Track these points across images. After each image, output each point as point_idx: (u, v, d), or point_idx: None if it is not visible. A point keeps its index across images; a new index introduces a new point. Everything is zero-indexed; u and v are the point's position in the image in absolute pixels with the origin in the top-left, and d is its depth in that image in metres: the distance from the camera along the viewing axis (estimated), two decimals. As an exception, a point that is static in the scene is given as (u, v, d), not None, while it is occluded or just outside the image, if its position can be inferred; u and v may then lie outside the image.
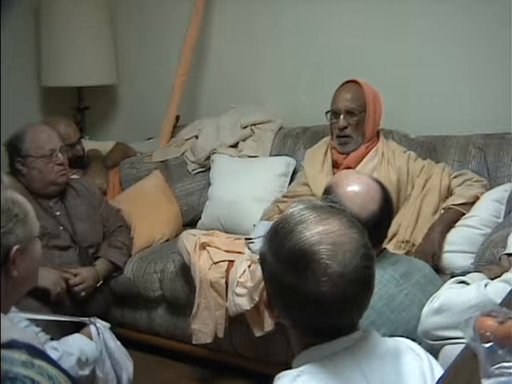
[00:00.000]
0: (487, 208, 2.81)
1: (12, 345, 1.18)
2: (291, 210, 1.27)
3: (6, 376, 1.09)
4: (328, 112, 3.01)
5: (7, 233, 1.48)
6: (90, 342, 2.13)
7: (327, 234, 1.20)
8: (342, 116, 2.94)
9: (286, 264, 1.22)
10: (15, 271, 1.50)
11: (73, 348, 2.03)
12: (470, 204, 2.84)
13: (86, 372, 2.06)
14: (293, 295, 1.22)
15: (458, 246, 2.76)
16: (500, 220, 2.81)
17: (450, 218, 2.82)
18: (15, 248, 1.48)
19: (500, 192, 2.87)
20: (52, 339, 2.11)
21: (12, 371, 1.11)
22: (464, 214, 2.82)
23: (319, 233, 1.20)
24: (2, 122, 3.63)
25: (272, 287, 1.27)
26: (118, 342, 2.25)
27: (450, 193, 2.92)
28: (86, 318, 2.23)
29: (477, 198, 2.84)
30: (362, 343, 1.25)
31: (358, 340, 1.25)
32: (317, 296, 1.19)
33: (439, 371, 1.30)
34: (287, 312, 1.26)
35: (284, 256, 1.22)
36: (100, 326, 2.20)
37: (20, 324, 1.98)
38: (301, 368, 1.22)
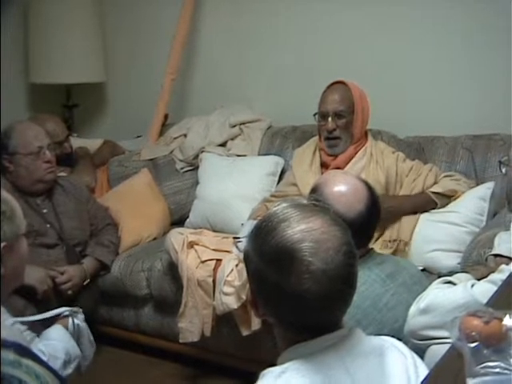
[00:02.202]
0: (470, 205, 2.83)
1: (1, 344, 1.18)
2: (274, 209, 1.28)
3: None
4: (316, 114, 3.01)
5: None
6: (72, 342, 2.12)
7: (310, 231, 1.22)
8: (330, 118, 2.94)
9: (268, 262, 1.23)
10: (2, 269, 1.49)
11: (58, 351, 2.02)
12: (447, 197, 2.86)
13: (70, 371, 2.06)
14: (276, 292, 1.23)
15: (444, 244, 2.78)
16: (483, 218, 2.83)
17: (421, 200, 2.85)
18: (2, 245, 1.48)
19: (483, 190, 2.89)
20: (38, 335, 2.10)
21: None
22: (436, 204, 2.83)
23: (302, 231, 1.22)
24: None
25: (256, 285, 1.29)
26: (91, 337, 2.24)
27: None
28: (69, 309, 2.22)
29: (455, 193, 2.86)
30: (346, 341, 1.26)
31: (342, 337, 1.26)
32: (299, 293, 1.20)
33: (423, 369, 1.31)
34: (271, 309, 1.27)
35: (267, 254, 1.24)
36: (76, 320, 2.19)
37: (6, 322, 1.97)
38: (285, 365, 1.23)
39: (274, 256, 1.23)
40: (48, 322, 2.18)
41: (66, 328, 2.15)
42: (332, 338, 1.25)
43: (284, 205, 1.28)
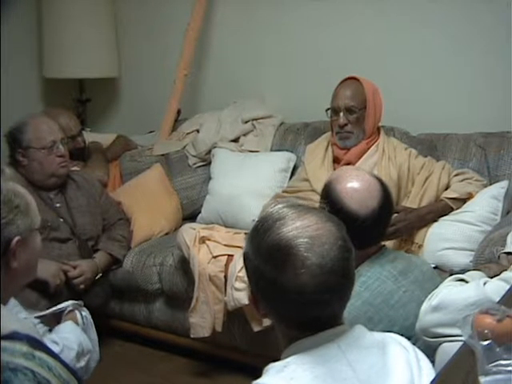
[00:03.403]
0: (484, 204, 2.81)
1: (13, 336, 1.19)
2: (270, 210, 1.32)
3: (6, 367, 1.10)
4: (328, 109, 3.01)
5: (8, 224, 1.47)
6: (85, 336, 2.13)
7: (304, 228, 1.25)
8: (341, 113, 2.94)
9: (266, 259, 1.26)
10: (15, 263, 1.49)
11: (72, 342, 2.03)
12: (462, 201, 2.85)
13: (82, 363, 2.07)
14: (275, 290, 1.25)
15: (457, 243, 2.76)
16: (497, 217, 2.81)
17: (439, 209, 2.83)
18: (16, 239, 1.48)
19: (497, 189, 2.87)
20: (50, 330, 2.11)
21: (13, 362, 1.11)
22: (453, 209, 2.82)
23: (297, 228, 1.25)
24: (2, 113, 3.63)
25: (255, 284, 1.31)
26: (95, 334, 2.25)
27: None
28: (73, 302, 2.23)
29: (470, 196, 2.85)
30: (347, 335, 1.28)
31: (343, 332, 1.28)
32: (297, 288, 1.22)
33: (426, 363, 1.32)
34: (271, 308, 1.30)
35: (264, 252, 1.27)
36: (85, 315, 2.21)
37: (19, 315, 1.98)
38: (287, 359, 1.25)
39: (270, 253, 1.25)
40: (55, 317, 2.20)
41: (76, 322, 2.17)
42: (333, 332, 1.27)
43: (279, 205, 1.32)
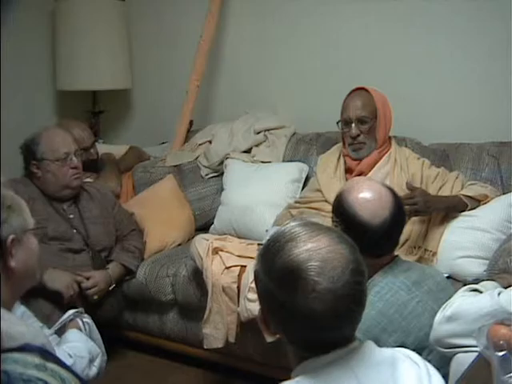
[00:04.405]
0: (499, 211, 2.79)
1: (25, 348, 1.20)
2: (283, 228, 1.30)
3: (20, 378, 1.11)
4: (339, 122, 3.01)
5: (1, 223, 1.49)
6: (91, 342, 2.14)
7: (316, 250, 1.23)
8: (353, 124, 2.94)
9: (276, 281, 1.25)
10: (13, 262, 1.50)
11: (82, 351, 2.04)
12: (477, 201, 2.83)
13: (94, 370, 2.09)
14: (284, 311, 1.24)
15: (471, 251, 2.74)
16: (512, 225, 2.80)
17: (454, 202, 2.81)
18: (11, 238, 1.49)
19: None
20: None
21: (26, 374, 1.12)
22: (467, 207, 2.80)
23: (308, 250, 1.23)
24: (17, 126, 3.66)
25: (265, 303, 1.30)
26: (99, 336, 2.26)
27: None
28: (74, 311, 2.24)
29: (485, 197, 2.83)
30: (357, 352, 1.27)
31: (352, 350, 1.27)
32: (307, 312, 1.21)
33: (437, 378, 1.31)
34: (281, 327, 1.29)
35: (275, 274, 1.25)
36: (86, 320, 2.23)
37: (34, 325, 1.99)
38: (297, 378, 1.24)
39: (281, 276, 1.24)
40: (64, 327, 2.21)
41: (79, 329, 2.18)
42: (343, 351, 1.26)
43: (292, 224, 1.30)
